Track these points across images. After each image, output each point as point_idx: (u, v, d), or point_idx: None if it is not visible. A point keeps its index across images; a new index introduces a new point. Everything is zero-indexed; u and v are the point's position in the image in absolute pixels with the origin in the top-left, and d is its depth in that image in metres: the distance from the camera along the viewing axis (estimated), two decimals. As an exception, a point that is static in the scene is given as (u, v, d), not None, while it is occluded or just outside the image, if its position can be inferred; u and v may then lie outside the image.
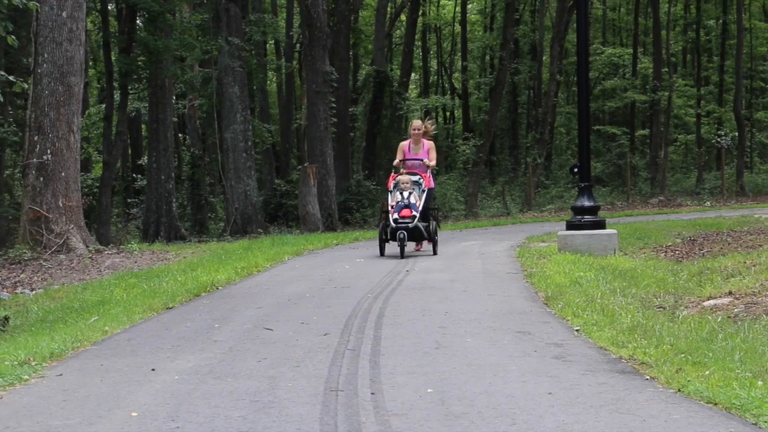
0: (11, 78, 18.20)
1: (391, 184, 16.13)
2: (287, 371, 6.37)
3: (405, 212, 15.49)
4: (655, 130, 44.74)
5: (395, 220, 15.43)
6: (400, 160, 16.42)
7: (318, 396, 5.64)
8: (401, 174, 16.13)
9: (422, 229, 15.52)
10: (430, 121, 17.33)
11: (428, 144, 16.53)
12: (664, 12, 47.78)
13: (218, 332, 8.18)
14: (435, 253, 15.82)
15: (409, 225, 15.32)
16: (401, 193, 15.76)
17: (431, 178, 16.38)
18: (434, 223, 16.12)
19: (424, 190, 15.95)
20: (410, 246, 16.22)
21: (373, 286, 11.46)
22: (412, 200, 15.64)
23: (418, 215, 15.45)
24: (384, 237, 15.71)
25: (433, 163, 16.34)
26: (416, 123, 16.86)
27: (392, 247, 15.76)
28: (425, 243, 16.35)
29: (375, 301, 9.97)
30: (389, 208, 15.68)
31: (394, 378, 6.09)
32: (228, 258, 16.08)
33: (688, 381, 5.76)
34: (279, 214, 33.41)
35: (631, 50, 49.26)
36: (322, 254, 17.39)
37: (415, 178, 16.02)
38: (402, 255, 15.17)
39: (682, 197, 39.07)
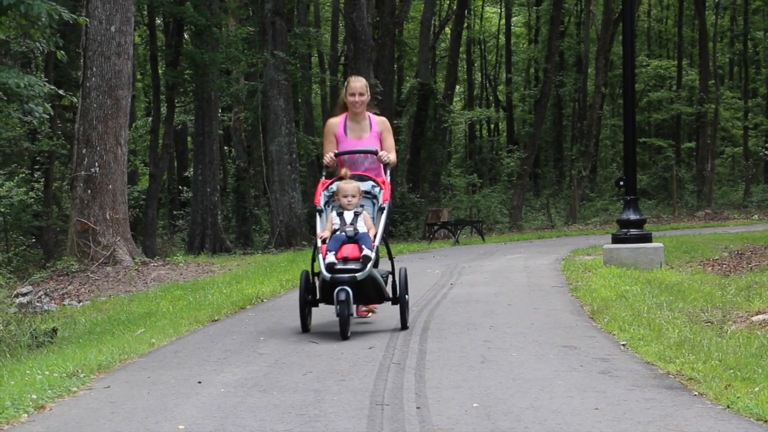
0: (60, 92, 18.45)
1: (320, 198, 9.09)
2: (333, 384, 6.38)
3: (349, 250, 8.46)
4: (702, 142, 44.39)
5: (331, 267, 8.33)
6: (334, 156, 9.49)
7: (363, 410, 5.64)
8: (343, 178, 9.18)
9: (380, 280, 8.66)
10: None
11: (377, 122, 9.82)
12: (711, 24, 47.43)
13: (264, 345, 8.21)
14: (404, 326, 8.85)
15: (357, 275, 8.28)
16: (341, 215, 8.80)
17: (390, 183, 9.49)
18: (402, 271, 9.12)
19: (381, 208, 9.06)
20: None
21: (418, 299, 11.44)
22: (362, 227, 8.69)
23: (372, 255, 8.44)
24: (309, 298, 8.84)
25: (392, 157, 9.59)
26: (356, 84, 9.76)
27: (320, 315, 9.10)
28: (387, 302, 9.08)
29: (420, 315, 9.96)
30: (318, 243, 8.66)
31: (439, 392, 6.07)
32: (273, 270, 16.14)
33: (737, 397, 5.69)
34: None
35: (677, 62, 48.88)
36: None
37: (366, 185, 9.18)
38: (345, 334, 8.37)
39: (729, 210, 38.69)
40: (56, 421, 5.64)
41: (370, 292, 8.63)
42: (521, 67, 54.99)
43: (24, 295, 14.60)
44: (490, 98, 56.25)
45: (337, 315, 8.31)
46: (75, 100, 18.55)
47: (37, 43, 17.46)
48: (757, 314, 9.47)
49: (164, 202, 40.90)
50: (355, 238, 8.54)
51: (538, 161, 47.14)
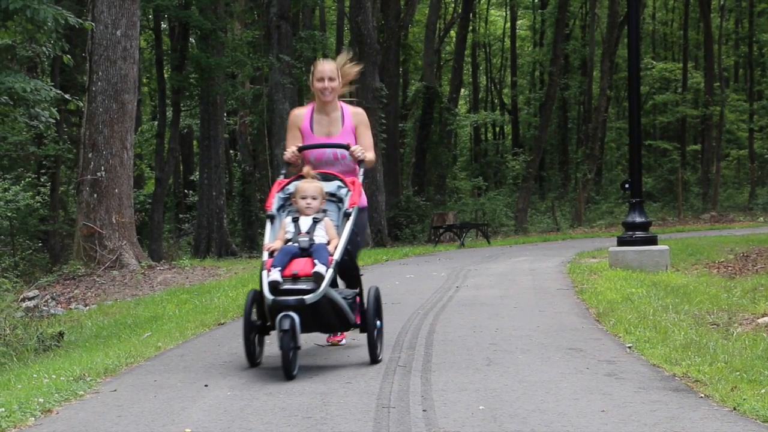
0: (66, 96, 18.53)
1: (272, 201, 7.50)
2: (339, 387, 6.38)
3: (300, 266, 6.86)
4: (707, 145, 44.36)
5: (274, 286, 6.74)
6: (298, 150, 7.86)
7: (370, 413, 5.64)
8: (305, 176, 7.57)
9: (340, 304, 6.99)
10: (349, 61, 8.35)
11: (352, 115, 8.11)
12: (716, 26, 47.39)
13: (270, 348, 8.21)
14: (374, 359, 7.23)
15: (307, 297, 6.66)
16: (296, 222, 7.23)
17: (362, 186, 7.81)
18: (372, 291, 7.37)
19: (347, 213, 7.40)
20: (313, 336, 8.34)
21: (424, 302, 11.46)
22: (318, 238, 7.12)
23: (328, 274, 6.79)
24: (255, 323, 7.21)
25: (369, 155, 7.90)
26: (324, 67, 8.02)
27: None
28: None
29: (425, 317, 9.96)
30: (264, 256, 7.07)
31: (445, 395, 6.08)
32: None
33: (744, 399, 5.69)
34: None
35: (682, 65, 48.86)
36: (372, 270, 17.40)
37: (331, 185, 7.61)
38: (288, 372, 6.71)
39: (734, 213, 38.65)
40: (63, 425, 5.66)
41: (328, 318, 6.90)
42: (526, 70, 54.99)
43: (31, 299, 14.63)
44: (495, 101, 56.27)
45: (281, 347, 6.59)
46: (81, 104, 18.59)
47: (43, 48, 17.54)
48: (762, 316, 9.47)
49: (170, 205, 40.98)
50: (309, 251, 6.84)
51: (544, 164, 47.13)
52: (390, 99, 34.18)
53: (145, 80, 43.92)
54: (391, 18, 34.96)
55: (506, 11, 53.30)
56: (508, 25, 52.84)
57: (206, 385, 6.64)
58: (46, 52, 18.07)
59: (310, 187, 7.33)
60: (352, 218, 7.30)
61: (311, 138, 7.93)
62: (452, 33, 48.67)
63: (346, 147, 7.76)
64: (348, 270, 7.49)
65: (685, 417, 5.42)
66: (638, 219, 15.09)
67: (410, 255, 22.28)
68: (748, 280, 12.89)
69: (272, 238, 7.22)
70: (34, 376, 7.34)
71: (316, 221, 7.17)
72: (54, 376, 7.09)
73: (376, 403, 5.88)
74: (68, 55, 18.10)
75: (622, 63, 46.33)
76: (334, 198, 7.54)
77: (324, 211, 7.35)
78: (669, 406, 5.68)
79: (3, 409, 5.87)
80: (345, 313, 7.05)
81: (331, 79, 7.92)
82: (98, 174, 18.35)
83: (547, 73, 45.31)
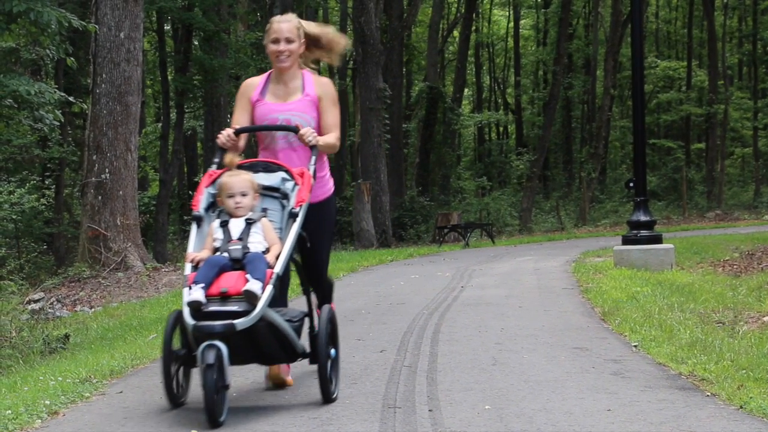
0: (70, 98, 18.54)
1: (200, 199, 6.03)
2: (345, 388, 6.38)
3: (230, 282, 5.48)
4: (711, 143, 44.35)
5: (197, 307, 5.38)
6: (234, 133, 6.28)
7: (376, 413, 5.65)
8: (228, 167, 6.08)
9: (282, 330, 5.66)
10: (321, 26, 6.88)
11: (316, 84, 6.61)
12: (720, 24, 47.34)
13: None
14: (327, 398, 5.91)
15: (237, 322, 5.30)
16: (225, 226, 5.84)
17: (328, 178, 6.75)
18: (325, 312, 6.15)
19: (293, 213, 5.90)
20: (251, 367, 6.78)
21: (429, 302, 11.46)
22: (254, 245, 5.75)
23: (266, 292, 5.43)
24: (178, 353, 5.86)
25: (329, 138, 6.44)
26: (280, 26, 6.50)
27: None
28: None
29: (431, 318, 9.96)
30: (186, 269, 5.68)
31: (451, 395, 6.08)
32: (283, 275, 16.14)
33: (750, 398, 5.68)
34: (333, 230, 33.48)
35: (686, 63, 48.82)
36: (376, 270, 17.42)
37: (273, 178, 6.15)
38: (213, 418, 5.34)
39: (739, 211, 38.62)
40: (69, 427, 5.67)
41: (267, 346, 5.54)
42: (530, 69, 54.96)
43: (36, 301, 14.65)
44: (499, 101, 56.24)
45: (202, 387, 5.23)
46: (85, 106, 18.61)
47: (47, 51, 17.56)
48: (768, 314, 9.46)
49: (174, 207, 40.95)
50: (242, 263, 5.46)
51: (548, 163, 47.10)
52: (393, 99, 34.19)
53: (148, 82, 43.95)
54: (394, 18, 34.96)
55: (509, 11, 53.27)
56: (511, 24, 52.81)
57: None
58: (50, 55, 18.09)
59: (236, 180, 5.79)
60: (298, 220, 5.74)
61: (262, 106, 6.45)
62: (455, 33, 48.65)
63: (295, 130, 6.15)
64: (319, 282, 6.61)
65: (691, 415, 5.42)
66: (643, 218, 15.08)
67: (415, 255, 22.28)
68: (754, 278, 12.88)
69: (198, 246, 5.71)
70: (41, 378, 7.35)
71: (250, 223, 5.70)
72: (60, 378, 7.10)
73: (381, 404, 5.88)
74: (72, 58, 18.12)
75: (625, 62, 46.29)
76: (277, 194, 5.99)
77: (264, 210, 5.86)
78: (675, 405, 5.68)
79: (10, 412, 5.89)
80: (289, 340, 5.63)
81: (288, 41, 6.42)
82: (102, 176, 18.37)
83: (550, 73, 45.26)
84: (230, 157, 6.03)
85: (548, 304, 10.98)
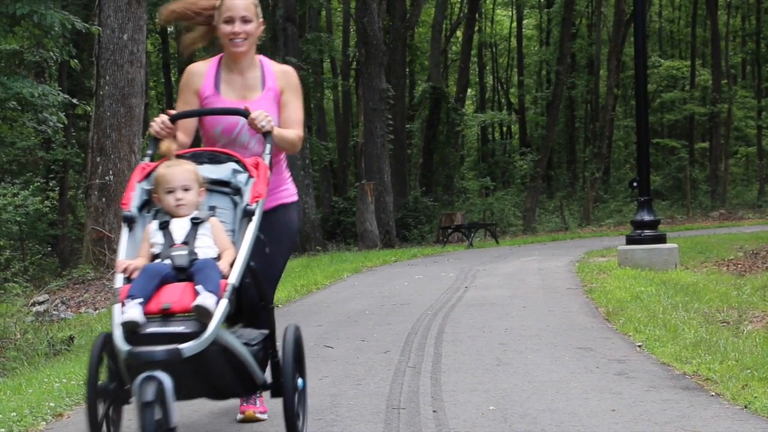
0: (74, 100, 18.56)
1: (131, 197, 4.80)
2: (349, 389, 6.39)
3: (174, 296, 4.21)
4: (715, 142, 44.31)
5: (132, 329, 4.07)
6: (170, 119, 5.08)
7: (380, 414, 5.65)
8: (166, 156, 4.89)
9: (240, 355, 4.43)
10: None
11: (277, 74, 5.55)
12: (723, 23, 47.29)
13: (279, 350, 8.22)
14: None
15: (184, 347, 4.01)
16: (165, 228, 4.60)
17: (288, 178, 5.74)
18: (290, 332, 4.98)
19: (249, 210, 4.66)
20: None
21: (433, 302, 11.46)
22: (203, 250, 4.51)
23: (219, 307, 4.17)
24: (107, 387, 4.45)
25: (291, 134, 5.39)
26: (235, 2, 5.33)
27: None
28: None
29: (435, 318, 9.96)
30: (117, 281, 4.40)
31: (455, 395, 6.08)
32: (287, 276, 16.16)
33: (755, 397, 5.68)
34: (337, 231, 33.53)
35: (689, 62, 48.79)
36: (380, 271, 17.42)
37: (222, 170, 4.93)
38: None
39: (743, 210, 38.58)
40: (74, 429, 5.67)
41: (221, 377, 4.44)
42: (533, 69, 54.94)
43: (40, 303, 14.66)
44: (502, 101, 56.23)
45: (140, 428, 4.01)
46: (88, 108, 18.61)
47: (51, 53, 17.59)
48: (773, 314, 9.45)
49: (178, 209, 41.00)
50: (189, 271, 4.33)
51: (551, 163, 47.09)
52: (397, 100, 34.17)
53: (152, 84, 43.97)
54: (397, 19, 34.95)
55: (512, 11, 53.26)
56: (515, 24, 52.80)
57: (216, 388, 6.63)
58: (54, 57, 18.11)
59: (176, 172, 4.65)
60: (255, 219, 4.59)
61: (217, 102, 5.38)
62: (458, 33, 48.64)
63: (244, 113, 5.00)
64: (254, 303, 5.00)
65: (696, 415, 5.41)
66: (647, 217, 15.08)
67: (419, 256, 22.28)
68: (758, 277, 12.88)
69: (131, 253, 4.57)
70: (45, 380, 7.36)
71: (196, 223, 4.55)
72: (65, 380, 7.10)
73: (386, 405, 5.88)
74: (75, 60, 18.13)
75: (629, 61, 46.22)
76: (227, 189, 4.86)
77: (212, 208, 4.74)
78: (680, 405, 5.67)
79: (14, 414, 5.89)
80: (248, 367, 4.50)
81: (245, 20, 5.34)
82: (106, 178, 18.37)
83: (553, 72, 45.27)
84: (167, 144, 4.85)
85: (552, 304, 10.98)
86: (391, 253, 22.57)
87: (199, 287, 4.18)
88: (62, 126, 18.81)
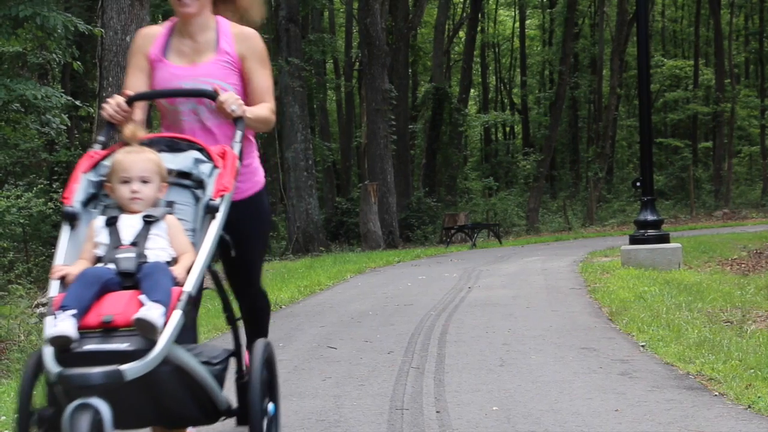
0: (77, 102, 18.56)
1: (74, 189, 4.05)
2: (352, 390, 6.39)
3: (116, 306, 3.52)
4: (719, 141, 44.30)
5: (62, 344, 3.39)
6: (126, 101, 4.43)
7: (383, 415, 5.65)
8: (128, 140, 4.15)
9: (197, 377, 3.65)
10: None
11: (236, 37, 4.75)
12: (726, 22, 47.26)
13: (282, 351, 8.22)
14: None
15: (126, 369, 3.33)
16: (113, 224, 3.89)
17: (256, 167, 4.93)
18: (259, 349, 4.33)
19: (212, 206, 3.98)
20: None
21: (436, 303, 11.46)
22: (155, 252, 3.82)
23: (172, 320, 3.51)
24: (43, 412, 3.60)
25: (264, 110, 4.64)
26: None
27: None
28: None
29: (438, 319, 9.96)
30: (51, 290, 3.67)
31: (459, 396, 6.08)
32: (290, 276, 16.17)
33: (759, 397, 5.67)
34: (340, 232, 33.53)
35: (692, 62, 48.76)
36: (384, 272, 17.42)
37: (183, 159, 4.23)
38: None
39: (747, 209, 38.55)
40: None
41: (174, 402, 3.66)
42: (536, 69, 54.94)
43: (44, 305, 14.67)
44: (505, 101, 56.23)
45: None
46: (92, 110, 18.60)
47: (54, 55, 17.59)
48: (776, 313, 9.44)
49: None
50: (136, 278, 3.67)
51: (554, 163, 47.08)
52: (399, 100, 34.16)
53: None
54: (400, 20, 34.96)
55: (515, 11, 53.27)
56: (517, 24, 52.80)
57: (220, 389, 6.63)
58: (57, 59, 18.11)
59: (136, 160, 3.98)
60: (219, 216, 3.94)
61: (164, 68, 4.71)
62: (461, 33, 48.64)
63: (212, 95, 4.38)
64: (248, 305, 5.12)
65: (699, 415, 5.41)
66: (650, 217, 15.07)
67: (422, 256, 22.27)
68: (762, 277, 12.86)
69: (71, 256, 3.86)
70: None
71: (149, 222, 3.89)
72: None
73: (389, 405, 5.88)
74: (78, 62, 18.13)
75: (632, 61, 46.23)
76: (188, 180, 4.16)
77: (169, 204, 4.05)
78: (683, 405, 5.67)
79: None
80: (207, 391, 3.74)
81: None
82: (110, 179, 18.40)
83: (556, 73, 45.28)
84: (132, 129, 4.16)
85: (556, 304, 10.97)
86: (394, 254, 22.56)
87: (144, 296, 3.50)
88: (65, 128, 18.82)
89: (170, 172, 4.12)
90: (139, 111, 4.60)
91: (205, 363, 3.75)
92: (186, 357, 3.59)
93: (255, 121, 4.55)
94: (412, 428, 5.31)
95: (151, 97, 4.73)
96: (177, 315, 3.51)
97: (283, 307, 11.99)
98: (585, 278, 13.79)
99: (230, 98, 4.34)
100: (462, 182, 42.20)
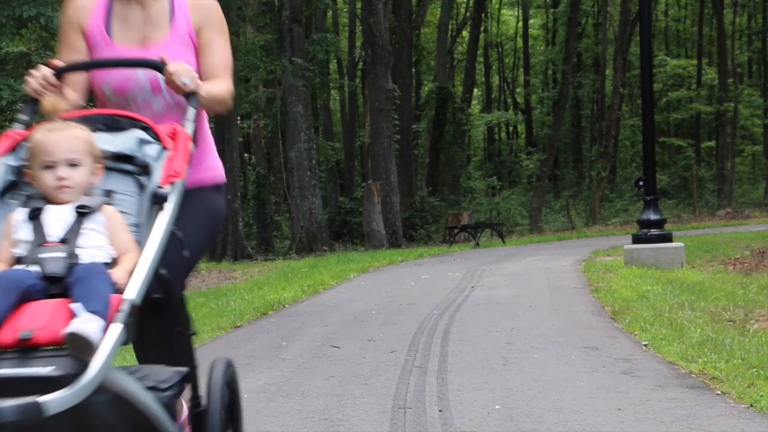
0: (81, 103, 18.57)
1: None
2: (355, 389, 6.40)
3: (38, 320, 2.65)
4: (722, 141, 44.27)
5: None
6: (56, 72, 3.52)
7: (386, 413, 5.66)
8: (48, 115, 3.36)
9: (142, 405, 2.79)
10: None
11: (192, 6, 3.86)
12: (729, 22, 47.24)
13: (286, 350, 8.24)
14: None
15: (48, 400, 2.47)
16: (36, 217, 3.05)
17: (211, 149, 4.11)
18: (219, 370, 3.67)
19: (160, 195, 3.14)
20: None
21: (439, 302, 11.47)
22: (89, 251, 2.95)
23: (109, 336, 2.63)
24: None
25: (220, 88, 3.75)
26: None
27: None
28: None
29: (441, 318, 9.97)
30: None
31: (461, 395, 6.09)
32: (294, 276, 16.19)
33: (761, 396, 5.68)
34: (344, 231, 33.56)
35: (695, 61, 48.74)
36: (387, 271, 17.43)
37: (123, 140, 3.36)
38: None
39: (750, 209, 38.53)
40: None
41: None
42: (539, 69, 54.92)
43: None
44: (509, 101, 56.21)
45: None
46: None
47: (57, 55, 17.59)
48: (779, 312, 9.44)
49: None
50: (65, 283, 2.85)
51: (558, 163, 47.06)
52: (403, 100, 34.18)
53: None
54: (403, 19, 34.97)
55: (518, 11, 53.25)
56: (521, 24, 52.77)
57: (223, 388, 6.65)
58: (60, 59, 18.11)
59: (60, 140, 3.15)
60: (169, 207, 3.14)
61: (108, 48, 3.82)
62: (464, 33, 48.63)
63: (159, 66, 3.54)
64: (165, 320, 3.53)
65: (701, 414, 5.42)
66: (653, 216, 15.07)
67: (425, 255, 22.28)
68: (765, 276, 12.86)
69: None
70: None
71: (82, 214, 3.08)
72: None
73: (392, 404, 5.89)
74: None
75: (635, 60, 46.19)
76: (131, 165, 3.36)
77: (107, 194, 3.25)
78: (685, 404, 5.68)
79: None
80: (155, 423, 2.94)
81: None
82: (113, 179, 18.42)
83: (559, 72, 45.22)
84: (52, 101, 3.52)
85: (558, 303, 10.99)
86: (397, 253, 22.57)
87: (76, 306, 2.70)
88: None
89: (110, 155, 3.31)
90: (74, 93, 3.74)
91: (152, 389, 2.98)
92: (127, 382, 2.80)
93: (211, 99, 3.67)
94: (414, 427, 5.32)
95: (83, 67, 3.82)
96: (117, 329, 2.68)
97: (286, 306, 12.01)
98: (588, 277, 13.80)
99: (182, 69, 3.48)
100: (465, 182, 42.18)
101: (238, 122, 33.94)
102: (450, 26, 45.00)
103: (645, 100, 15.84)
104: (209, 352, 8.43)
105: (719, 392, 5.99)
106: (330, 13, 42.18)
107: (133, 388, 2.81)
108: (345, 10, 45.14)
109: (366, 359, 7.59)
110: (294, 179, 28.66)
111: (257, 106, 33.26)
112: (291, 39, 28.88)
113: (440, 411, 5.67)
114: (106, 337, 2.64)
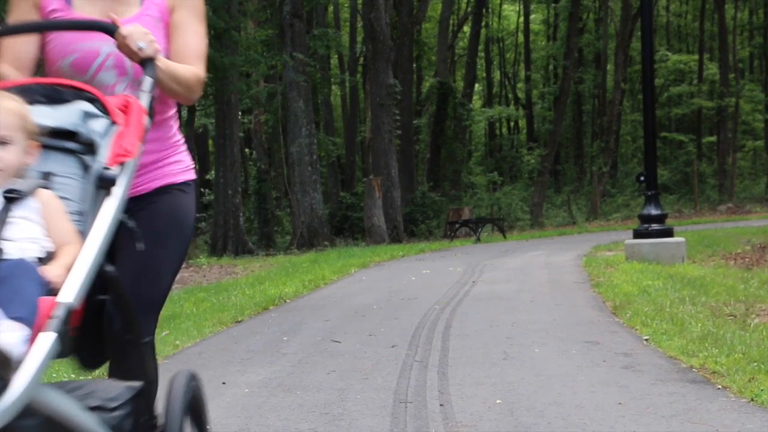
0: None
1: None
2: (356, 383, 6.40)
3: None
4: (723, 136, 44.23)
5: None
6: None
7: (387, 408, 5.66)
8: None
9: (80, 427, 2.30)
10: None
11: None
12: (731, 17, 47.19)
13: (287, 345, 8.24)
14: None
15: None
16: None
17: (179, 143, 3.44)
18: (180, 385, 3.06)
19: (106, 177, 2.69)
20: None
21: (440, 297, 11.47)
22: (16, 247, 2.47)
23: (36, 347, 2.16)
24: None
25: (186, 71, 3.19)
26: None
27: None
28: None
29: (442, 312, 9.97)
30: None
31: (462, 389, 6.09)
32: (295, 271, 16.20)
33: (762, 390, 5.68)
34: (345, 226, 33.56)
35: (697, 56, 48.71)
36: (388, 266, 17.44)
37: (65, 114, 2.85)
38: None
39: (751, 204, 38.52)
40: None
41: None
42: (540, 64, 54.89)
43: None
44: (510, 96, 56.19)
45: None
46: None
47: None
48: (780, 307, 9.44)
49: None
50: None
51: (559, 158, 47.07)
52: (404, 95, 34.17)
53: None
54: (404, 14, 34.95)
55: (519, 6, 53.21)
56: (522, 19, 52.75)
57: (224, 383, 6.67)
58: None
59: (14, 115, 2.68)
60: (117, 192, 2.71)
61: (66, 42, 3.26)
62: (465, 28, 48.62)
63: (110, 28, 2.99)
64: (118, 336, 2.96)
65: (702, 408, 5.42)
66: (654, 211, 15.07)
67: (426, 250, 22.28)
68: (765, 271, 12.86)
69: None
70: (54, 376, 7.39)
71: (11, 200, 2.60)
72: (74, 376, 7.13)
73: (393, 399, 5.89)
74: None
75: (636, 55, 46.18)
76: (73, 143, 2.86)
77: (45, 176, 2.76)
78: (686, 398, 5.68)
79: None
80: None
81: None
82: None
83: (561, 67, 45.20)
84: None
85: (559, 298, 10.99)
86: (398, 248, 22.58)
87: None
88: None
89: (48, 131, 2.83)
90: (14, 71, 3.21)
91: (98, 409, 2.52)
92: (63, 403, 2.34)
93: (171, 75, 3.15)
94: (415, 421, 5.32)
95: (23, 30, 3.23)
96: (48, 339, 2.21)
97: (287, 301, 12.01)
98: (589, 272, 13.80)
99: (136, 32, 2.96)
100: (466, 177, 42.20)
101: (239, 117, 33.96)
102: (451, 21, 44.98)
103: (646, 95, 15.83)
104: (210, 347, 8.45)
105: (720, 387, 5.99)
106: (331, 8, 42.16)
107: (70, 409, 2.36)
108: (346, 5, 45.13)
109: (367, 354, 7.59)
110: (295, 174, 28.67)
111: (258, 101, 33.27)
112: (292, 34, 28.87)
113: (441, 405, 5.67)
114: (33, 349, 2.19)
